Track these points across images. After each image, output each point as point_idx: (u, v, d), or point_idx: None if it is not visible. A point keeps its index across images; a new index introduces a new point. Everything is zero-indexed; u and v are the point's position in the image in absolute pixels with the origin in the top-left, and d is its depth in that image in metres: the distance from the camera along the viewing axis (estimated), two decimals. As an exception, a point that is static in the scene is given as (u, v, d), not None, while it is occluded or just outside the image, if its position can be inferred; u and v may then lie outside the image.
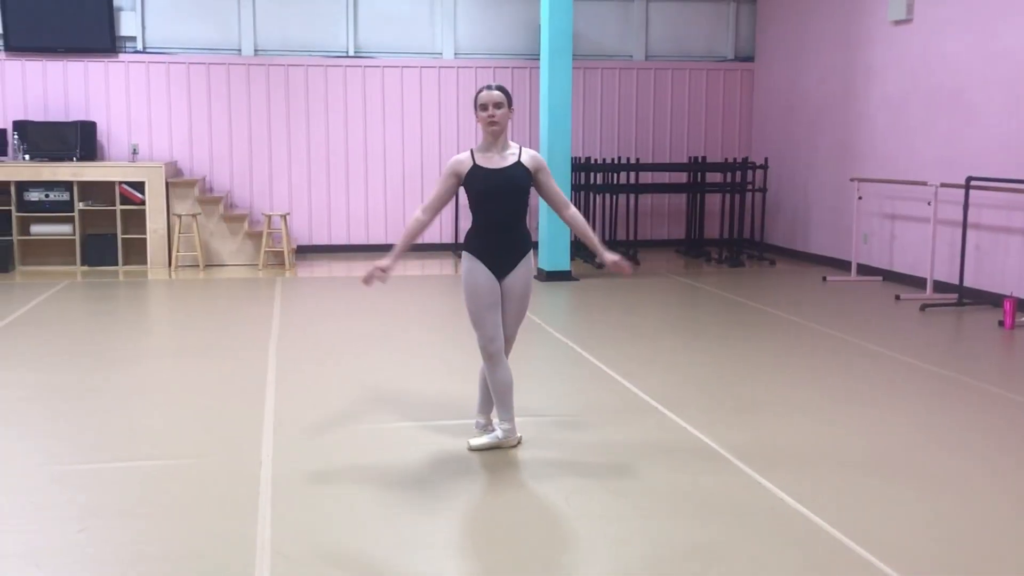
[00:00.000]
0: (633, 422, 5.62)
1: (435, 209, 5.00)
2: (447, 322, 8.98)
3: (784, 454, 5.06)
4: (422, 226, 4.99)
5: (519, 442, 5.15)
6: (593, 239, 5.02)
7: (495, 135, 4.89)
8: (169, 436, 5.36)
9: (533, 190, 4.99)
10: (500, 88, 4.91)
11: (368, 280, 4.82)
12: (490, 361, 4.96)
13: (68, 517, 4.17)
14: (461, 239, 13.62)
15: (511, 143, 4.97)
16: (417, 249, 13.67)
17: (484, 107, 4.86)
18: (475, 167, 4.89)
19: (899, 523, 4.17)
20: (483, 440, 5.10)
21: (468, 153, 4.96)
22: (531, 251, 5.02)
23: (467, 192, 4.94)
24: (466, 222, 14.22)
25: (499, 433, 5.09)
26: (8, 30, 12.44)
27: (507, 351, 5.05)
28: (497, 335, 4.93)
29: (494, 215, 4.90)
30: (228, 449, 5.12)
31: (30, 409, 5.86)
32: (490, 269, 4.91)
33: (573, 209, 5.06)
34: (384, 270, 4.80)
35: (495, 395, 5.04)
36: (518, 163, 4.90)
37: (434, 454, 5.05)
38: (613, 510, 4.30)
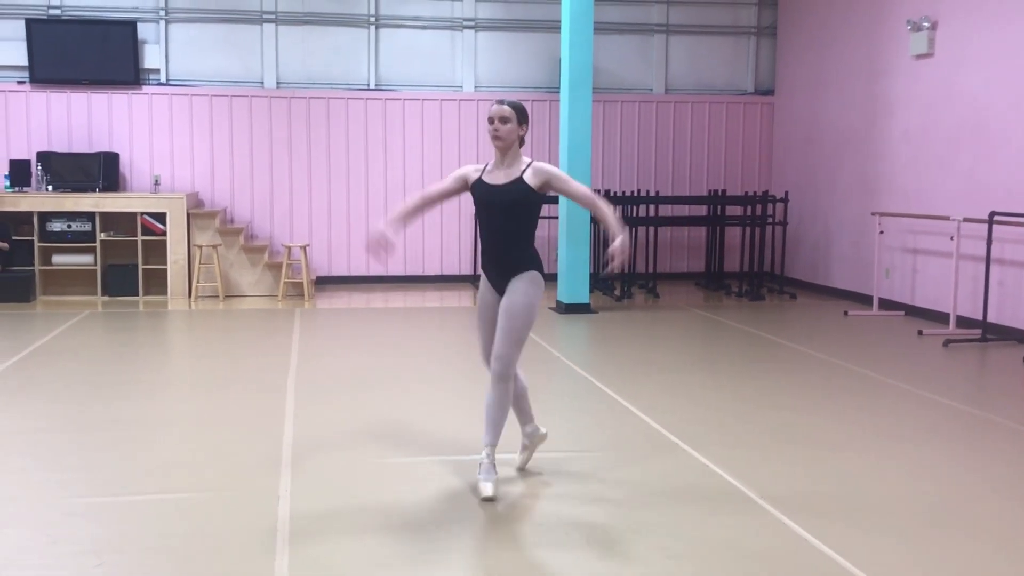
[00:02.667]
0: (653, 459, 5.56)
1: (439, 196, 5.04)
2: (466, 355, 8.94)
3: (809, 494, 4.98)
4: (426, 204, 5.05)
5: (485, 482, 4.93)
6: (609, 219, 4.88)
7: (500, 150, 4.89)
8: (188, 469, 5.33)
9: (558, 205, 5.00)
10: (512, 104, 4.89)
11: (374, 251, 4.87)
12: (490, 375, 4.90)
13: (85, 551, 4.14)
14: (478, 271, 13.71)
15: (524, 159, 4.92)
16: (436, 280, 13.68)
17: (490, 120, 4.88)
18: (479, 180, 4.94)
19: (928, 566, 4.09)
20: (521, 457, 5.28)
21: (482, 165, 5.02)
22: (533, 272, 4.89)
23: (472, 201, 5.03)
24: (485, 254, 14.14)
25: (529, 430, 5.25)
26: (34, 62, 12.59)
27: (503, 375, 4.83)
28: (485, 351, 5.01)
29: (489, 231, 4.95)
30: (246, 483, 5.09)
31: (49, 440, 5.86)
32: (492, 285, 4.96)
33: (599, 201, 4.98)
34: (388, 240, 4.86)
35: (484, 412, 4.96)
36: (519, 180, 4.85)
37: (454, 490, 5.00)
38: (634, 551, 4.23)
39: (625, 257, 4.79)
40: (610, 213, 4.91)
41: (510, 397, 4.92)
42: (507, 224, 4.90)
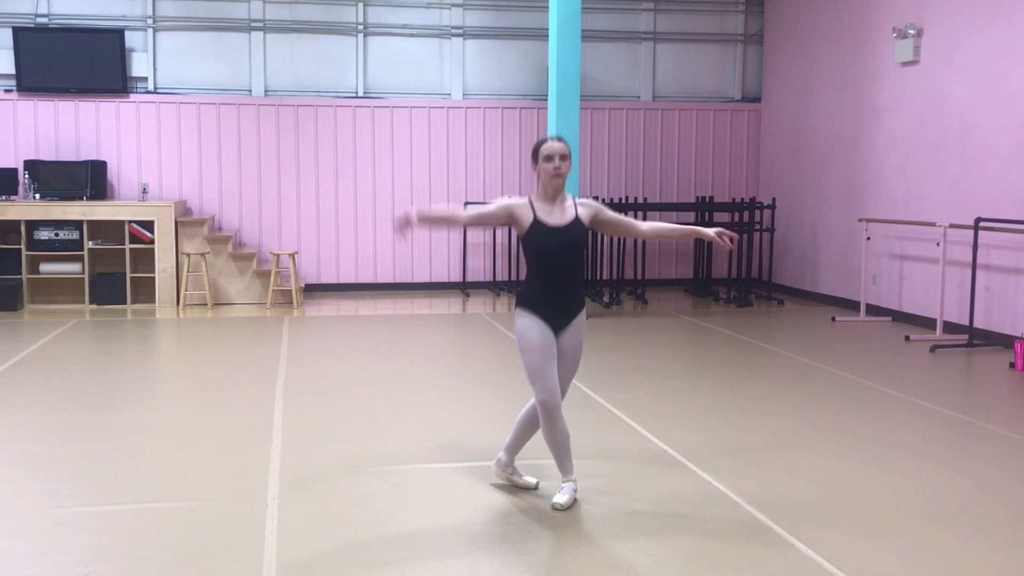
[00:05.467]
0: (642, 465, 5.57)
1: (474, 221, 5.01)
2: (455, 361, 8.96)
3: (797, 499, 5.00)
4: (454, 222, 5.10)
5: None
6: (685, 229, 5.03)
7: (557, 189, 4.79)
8: (176, 478, 5.32)
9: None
10: (562, 140, 4.84)
11: (400, 227, 4.85)
12: (550, 416, 4.79)
13: (73, 560, 4.13)
14: (468, 278, 13.75)
15: (566, 195, 4.89)
16: (425, 288, 13.68)
17: (550, 158, 4.74)
18: (537, 222, 4.76)
19: (918, 569, 4.11)
20: (565, 498, 4.86)
21: (527, 202, 4.82)
22: (585, 306, 4.93)
23: (525, 246, 4.84)
24: (474, 260, 14.30)
25: (572, 486, 4.94)
26: (21, 71, 12.56)
27: (558, 401, 4.86)
28: (557, 388, 4.79)
29: (556, 273, 4.79)
30: (234, 492, 5.08)
31: (37, 449, 5.84)
32: (548, 322, 4.79)
33: (646, 224, 5.02)
34: (409, 221, 4.83)
35: (555, 448, 4.88)
36: (576, 220, 4.80)
37: (444, 496, 5.00)
38: (622, 557, 4.24)
39: (727, 232, 4.83)
40: (672, 225, 5.07)
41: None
42: (574, 265, 4.85)
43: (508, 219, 4.85)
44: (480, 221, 5.04)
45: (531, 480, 5.14)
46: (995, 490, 5.19)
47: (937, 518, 4.75)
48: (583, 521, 4.67)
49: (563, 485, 4.92)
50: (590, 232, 4.94)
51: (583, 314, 4.91)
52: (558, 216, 4.78)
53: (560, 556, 4.26)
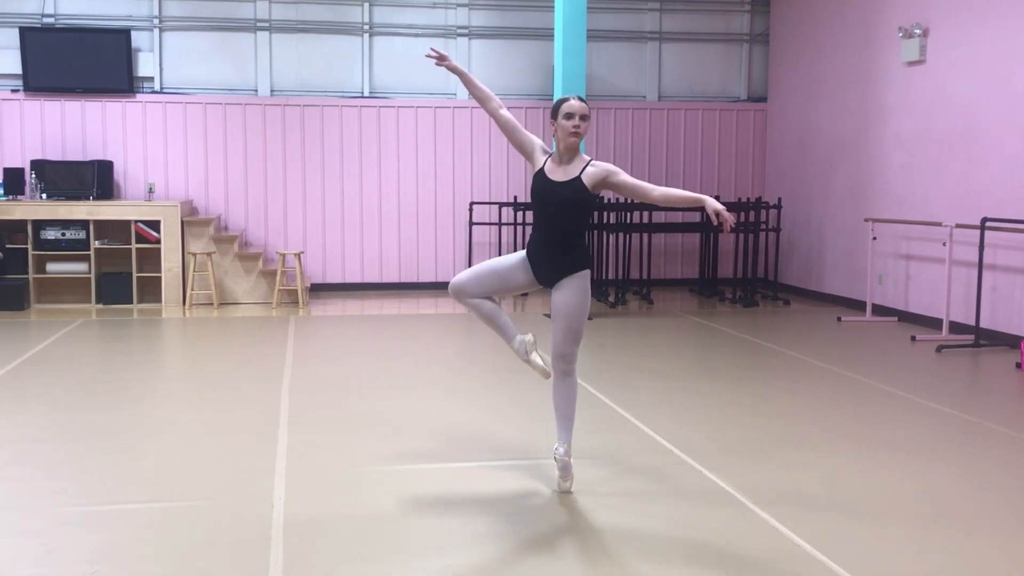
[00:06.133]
0: (647, 465, 5.57)
1: (504, 122, 5.10)
2: (460, 361, 8.96)
3: (803, 499, 4.99)
4: (488, 103, 5.17)
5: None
6: (692, 197, 4.82)
7: (572, 147, 4.87)
8: (182, 477, 5.34)
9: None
10: (583, 100, 4.92)
11: (436, 55, 5.15)
12: (456, 298, 5.13)
13: (79, 560, 4.14)
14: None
15: (584, 157, 4.94)
16: (431, 288, 13.69)
17: (570, 116, 4.84)
18: (540, 172, 4.92)
19: (925, 568, 4.10)
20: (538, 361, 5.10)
21: (546, 152, 5.00)
22: (585, 270, 4.90)
23: (530, 191, 5.04)
24: (480, 260, 14.33)
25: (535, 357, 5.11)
26: (28, 71, 12.58)
27: (567, 370, 4.98)
28: (465, 289, 5.03)
29: (544, 225, 4.93)
30: (240, 491, 5.09)
31: (43, 449, 5.85)
32: (534, 272, 4.94)
33: (659, 189, 4.88)
34: (448, 61, 5.15)
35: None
36: (576, 179, 4.83)
37: (450, 496, 5.01)
38: (627, 557, 4.24)
39: (727, 214, 4.68)
40: (681, 191, 4.90)
41: (576, 389, 5.04)
42: (562, 222, 4.88)
43: (528, 152, 5.03)
44: (512, 129, 5.11)
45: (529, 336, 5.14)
46: (1000, 490, 5.18)
47: (943, 518, 4.74)
48: (588, 520, 4.67)
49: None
50: (598, 198, 4.94)
51: (579, 276, 4.88)
52: (561, 172, 4.88)
53: (565, 555, 4.26)
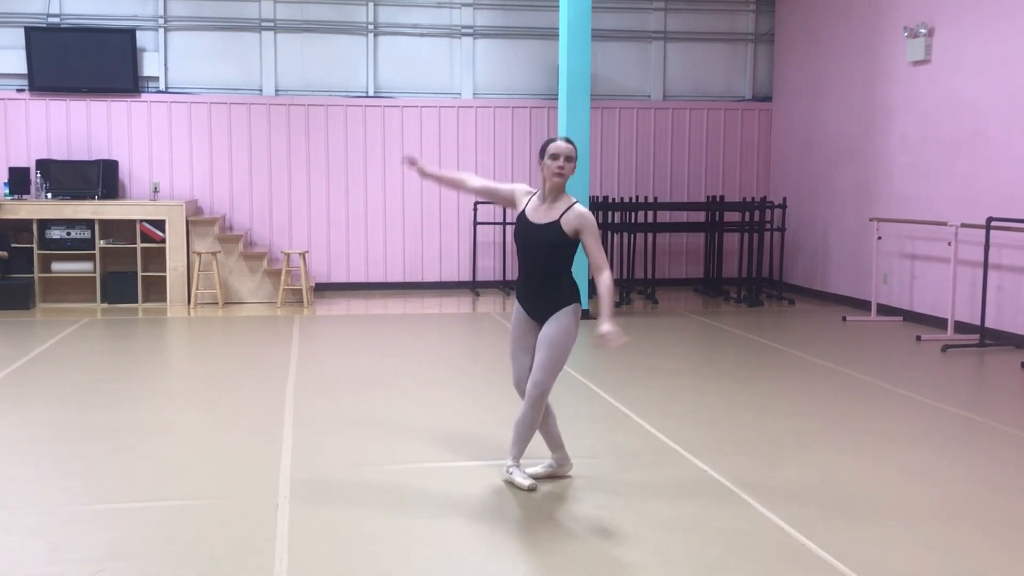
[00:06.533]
0: (652, 465, 5.57)
1: (482, 192, 5.19)
2: (465, 361, 8.96)
3: (809, 498, 4.99)
4: (463, 187, 5.22)
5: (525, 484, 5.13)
6: (605, 307, 4.79)
7: (556, 187, 4.91)
8: (187, 476, 5.34)
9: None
10: (571, 141, 4.97)
11: (407, 160, 5.19)
12: (521, 398, 5.12)
13: (85, 558, 4.15)
14: (478, 278, 13.78)
15: (568, 198, 4.95)
16: (435, 287, 13.69)
17: (556, 157, 4.89)
18: (522, 213, 4.99)
19: (932, 565, 4.10)
20: (538, 469, 5.21)
21: (531, 192, 5.06)
22: (571, 306, 4.92)
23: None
24: (484, 260, 14.33)
25: (517, 467, 5.17)
26: (33, 70, 12.60)
27: (536, 397, 4.94)
28: (522, 378, 5.09)
29: (526, 266, 5.02)
30: (246, 490, 5.10)
31: (49, 447, 5.86)
32: (528, 314, 5.03)
33: (605, 275, 4.82)
34: (418, 166, 5.15)
35: (512, 428, 5.14)
36: (556, 223, 4.85)
37: (454, 496, 5.01)
38: (631, 556, 4.24)
39: (613, 339, 4.66)
40: (609, 295, 4.81)
41: (539, 420, 5.06)
42: (544, 263, 4.93)
43: (511, 200, 5.10)
44: (488, 193, 5.22)
45: (571, 461, 5.28)
46: (1005, 489, 5.17)
47: (948, 517, 4.73)
48: (593, 519, 4.67)
49: (511, 468, 5.14)
50: (578, 242, 4.90)
51: (564, 312, 4.92)
52: (543, 214, 4.93)
53: (570, 554, 4.26)
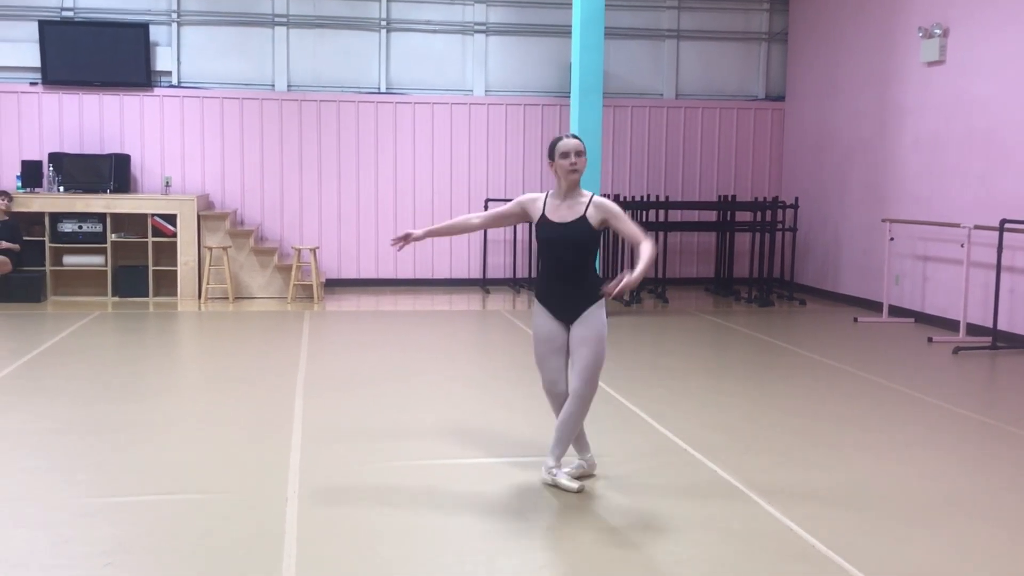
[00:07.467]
0: (662, 464, 5.56)
1: (489, 223, 5.17)
2: (475, 358, 8.96)
3: (819, 499, 4.97)
4: (468, 229, 5.21)
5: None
6: (642, 262, 4.75)
7: (572, 184, 4.93)
8: (197, 470, 5.35)
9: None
10: (576, 137, 4.99)
11: (397, 243, 5.09)
12: (553, 403, 5.12)
13: (95, 552, 4.16)
14: (488, 275, 13.78)
15: (584, 192, 4.98)
16: (445, 284, 13.69)
17: (566, 155, 4.90)
18: (543, 217, 4.96)
19: (946, 565, 4.08)
20: (563, 481, 5.05)
21: (543, 197, 5.03)
22: (599, 301, 4.94)
23: (535, 236, 5.09)
24: (495, 257, 14.35)
25: (562, 470, 5.10)
26: (47, 64, 12.63)
27: (581, 389, 4.94)
28: (557, 379, 5.04)
29: (554, 265, 4.99)
30: (255, 484, 5.10)
31: (59, 440, 5.88)
32: (554, 315, 4.99)
33: (646, 242, 4.90)
34: (412, 237, 5.07)
35: (555, 430, 5.08)
36: (582, 218, 4.89)
37: (463, 492, 5.00)
38: (641, 556, 4.23)
39: (630, 286, 4.63)
40: (649, 255, 4.82)
41: (585, 414, 5.03)
42: (574, 261, 4.94)
43: (522, 215, 5.08)
44: (496, 222, 5.23)
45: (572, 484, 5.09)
46: (1017, 491, 5.14)
47: (958, 519, 4.71)
48: (604, 519, 4.66)
49: (554, 470, 5.06)
50: (605, 231, 4.96)
51: (595, 308, 4.94)
52: (565, 212, 4.94)
53: (580, 553, 4.25)
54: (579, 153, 4.91)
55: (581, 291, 4.95)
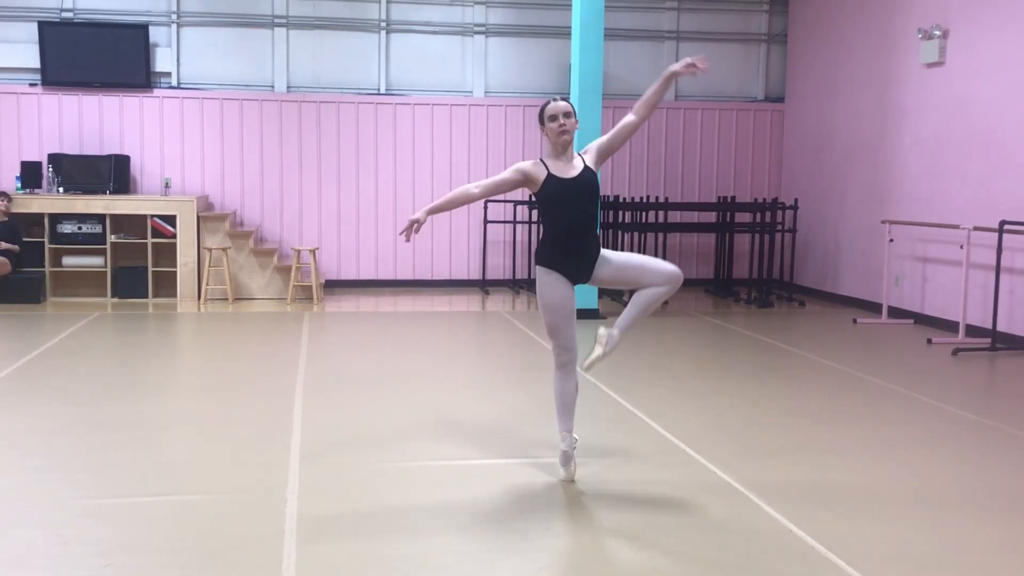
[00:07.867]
0: (661, 465, 5.56)
1: (489, 191, 5.13)
2: (475, 358, 8.96)
3: (818, 500, 4.97)
4: (469, 199, 5.16)
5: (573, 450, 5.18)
6: (654, 87, 5.21)
7: (565, 145, 5.03)
8: (197, 471, 5.35)
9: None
10: (566, 99, 5.09)
11: (406, 233, 5.01)
12: (561, 371, 5.13)
13: (94, 552, 4.15)
14: (488, 276, 13.76)
15: (573, 151, 5.11)
16: (445, 285, 13.69)
17: (554, 118, 5.00)
18: (551, 176, 5.01)
19: (932, 569, 4.08)
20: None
21: (539, 162, 5.07)
22: (600, 248, 5.13)
23: (541, 202, 5.08)
24: (494, 258, 14.31)
25: (572, 439, 5.16)
26: (46, 65, 12.64)
27: (675, 273, 5.18)
28: (571, 346, 5.09)
29: (571, 222, 5.01)
30: (255, 485, 5.10)
31: (58, 441, 5.87)
32: (567, 277, 5.03)
33: (634, 112, 5.17)
34: (418, 221, 4.99)
35: (560, 404, 5.15)
36: (587, 168, 5.06)
37: (462, 493, 5.00)
38: (640, 557, 4.23)
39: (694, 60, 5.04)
40: (648, 93, 5.19)
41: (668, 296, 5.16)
42: (590, 209, 5.07)
43: (523, 181, 5.09)
44: (495, 189, 5.17)
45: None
46: (1018, 494, 5.14)
47: (958, 521, 4.71)
48: (604, 519, 4.66)
49: (563, 435, 5.14)
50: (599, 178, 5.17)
51: (604, 252, 5.10)
52: (569, 170, 5.05)
53: (580, 553, 4.25)
54: (567, 115, 5.00)
55: (593, 240, 5.07)
